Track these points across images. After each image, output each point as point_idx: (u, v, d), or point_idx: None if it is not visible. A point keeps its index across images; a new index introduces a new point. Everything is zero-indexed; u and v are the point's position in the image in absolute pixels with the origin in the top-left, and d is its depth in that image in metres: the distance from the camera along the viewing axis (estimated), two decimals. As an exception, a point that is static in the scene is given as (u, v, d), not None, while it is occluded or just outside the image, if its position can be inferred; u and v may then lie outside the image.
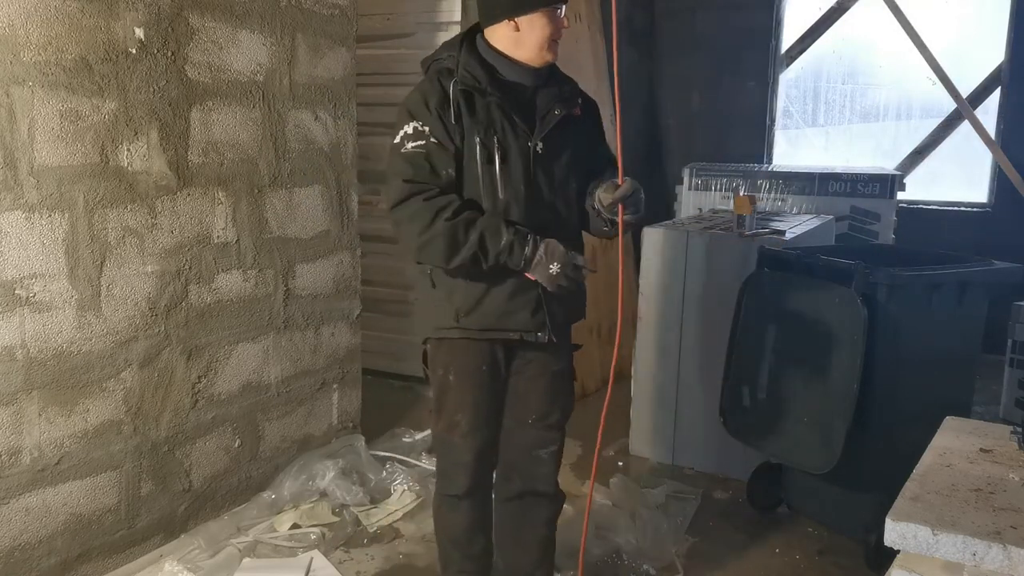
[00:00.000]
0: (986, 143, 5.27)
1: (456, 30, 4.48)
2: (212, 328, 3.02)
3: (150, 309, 2.80)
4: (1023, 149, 5.31)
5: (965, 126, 5.47)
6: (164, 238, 2.82)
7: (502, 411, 2.41)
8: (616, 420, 4.12)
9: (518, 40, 2.20)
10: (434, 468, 3.57)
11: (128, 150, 2.67)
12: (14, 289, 2.41)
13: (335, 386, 3.62)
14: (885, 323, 2.80)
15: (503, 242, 2.14)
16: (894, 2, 5.20)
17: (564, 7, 2.22)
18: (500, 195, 2.19)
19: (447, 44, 2.30)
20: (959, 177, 5.82)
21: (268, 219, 3.20)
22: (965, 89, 5.38)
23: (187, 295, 2.92)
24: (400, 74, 4.69)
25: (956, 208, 5.71)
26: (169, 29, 2.75)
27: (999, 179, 5.46)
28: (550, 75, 2.30)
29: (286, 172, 3.25)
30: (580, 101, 2.35)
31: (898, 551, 1.51)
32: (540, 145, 2.23)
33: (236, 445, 3.18)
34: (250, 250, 3.14)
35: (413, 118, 2.19)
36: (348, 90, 3.52)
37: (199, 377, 2.99)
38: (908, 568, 1.52)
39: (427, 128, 2.17)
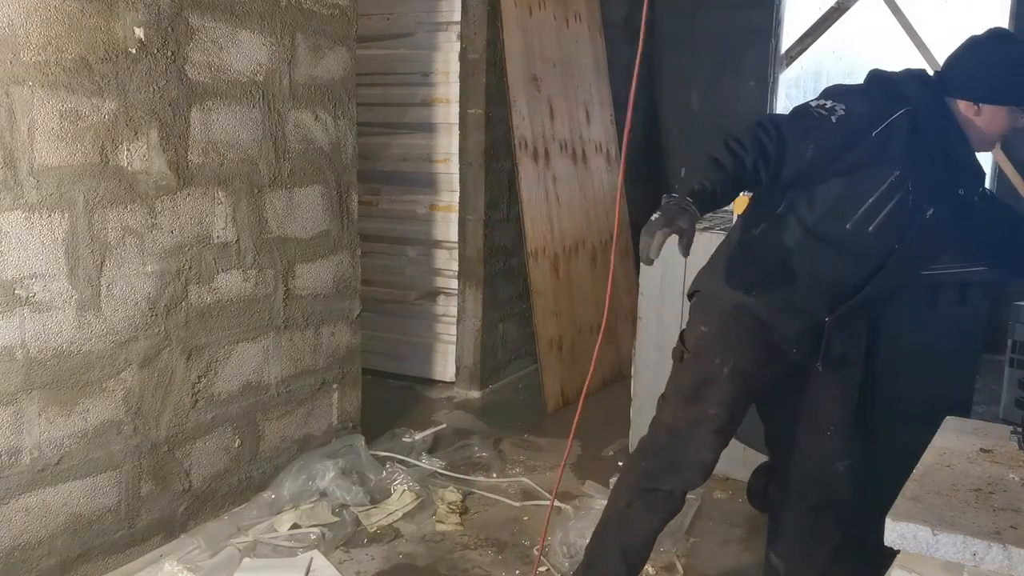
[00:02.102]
0: (986, 143, 5.26)
1: (456, 30, 4.48)
2: (212, 328, 3.03)
3: (150, 309, 2.80)
4: (1023, 149, 5.31)
5: (965, 126, 5.46)
6: (164, 238, 2.82)
7: None
8: (616, 420, 4.12)
9: (972, 123, 2.15)
10: (434, 468, 3.60)
11: (128, 150, 2.67)
12: (14, 289, 2.41)
13: (335, 386, 3.63)
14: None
15: (683, 184, 1.95)
16: (894, 2, 5.20)
17: None
18: (870, 228, 2.10)
19: (910, 74, 2.20)
20: (959, 177, 5.82)
21: (268, 219, 3.20)
22: (965, 89, 5.38)
23: (187, 295, 2.92)
24: (400, 74, 4.71)
25: (956, 208, 5.70)
26: (169, 29, 2.75)
27: (999, 179, 5.46)
28: (974, 159, 2.25)
29: (286, 172, 3.25)
30: (978, 191, 2.26)
31: (898, 551, 1.51)
32: (931, 212, 2.14)
33: (236, 445, 3.18)
34: (250, 250, 3.14)
35: (841, 102, 2.08)
36: (348, 90, 3.52)
37: (199, 377, 2.99)
38: (908, 568, 1.52)
39: (842, 114, 2.04)
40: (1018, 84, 2.14)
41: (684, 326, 2.41)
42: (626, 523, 2.32)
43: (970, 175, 2.25)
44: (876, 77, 2.23)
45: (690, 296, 2.43)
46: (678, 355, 2.33)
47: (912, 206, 2.12)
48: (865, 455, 2.44)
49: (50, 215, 2.48)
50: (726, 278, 2.28)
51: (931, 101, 2.15)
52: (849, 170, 2.09)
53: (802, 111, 2.11)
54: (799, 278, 2.20)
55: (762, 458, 3.32)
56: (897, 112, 2.08)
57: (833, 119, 2.04)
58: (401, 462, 3.58)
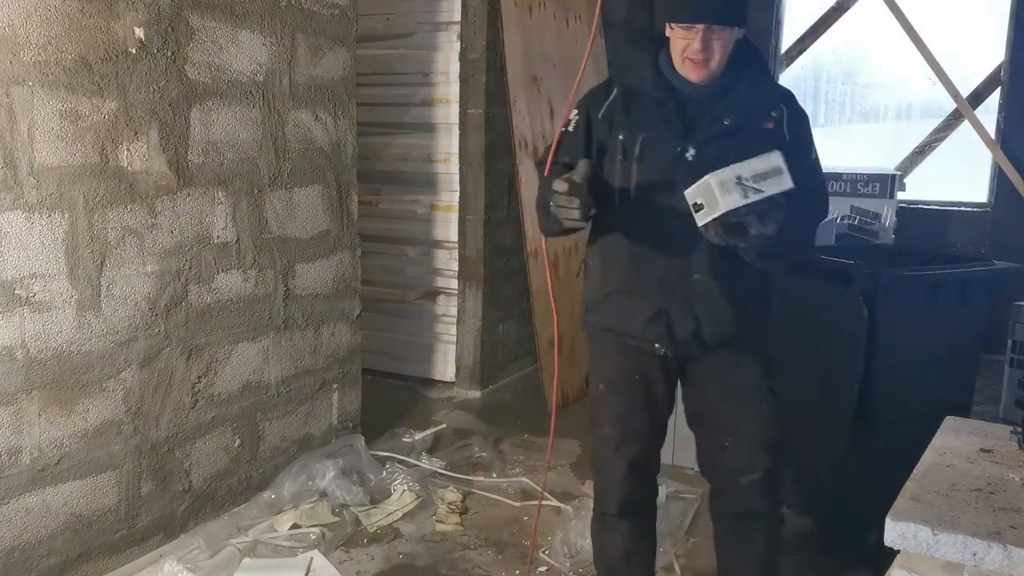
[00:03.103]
0: (986, 143, 5.26)
1: (456, 30, 4.48)
2: (212, 328, 3.03)
3: (150, 309, 2.80)
4: (1023, 149, 5.31)
5: (965, 126, 5.46)
6: (164, 238, 2.82)
7: (662, 422, 2.35)
8: (616, 420, 4.12)
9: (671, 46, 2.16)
10: (434, 468, 3.61)
11: (128, 150, 2.67)
12: (14, 289, 2.41)
13: (335, 386, 3.63)
14: (886, 323, 2.80)
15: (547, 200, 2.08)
16: (894, 2, 5.20)
17: (717, 31, 2.03)
18: (632, 193, 2.14)
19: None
20: (959, 177, 5.82)
21: (268, 219, 3.20)
22: (965, 89, 5.38)
23: (187, 295, 2.92)
24: (400, 74, 4.71)
25: (956, 208, 5.71)
26: (169, 29, 2.75)
27: (999, 179, 5.46)
28: (737, 83, 2.14)
29: (286, 172, 3.25)
30: (776, 115, 2.15)
31: (898, 551, 1.51)
32: (692, 152, 2.10)
33: (236, 445, 3.18)
34: (250, 250, 3.14)
35: (576, 108, 2.26)
36: (348, 90, 3.52)
37: (199, 377, 2.99)
38: (908, 568, 1.52)
39: (574, 119, 2.24)
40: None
41: None
42: (600, 542, 2.43)
43: (734, 105, 2.13)
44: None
45: None
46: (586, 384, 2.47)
47: (663, 156, 2.12)
48: (787, 466, 2.37)
49: (50, 215, 2.48)
50: (583, 311, 2.38)
51: (645, 64, 2.21)
52: (597, 155, 2.20)
53: (562, 139, 2.25)
54: (612, 271, 2.24)
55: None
56: (613, 91, 2.21)
57: (571, 128, 2.24)
58: (401, 462, 3.58)
